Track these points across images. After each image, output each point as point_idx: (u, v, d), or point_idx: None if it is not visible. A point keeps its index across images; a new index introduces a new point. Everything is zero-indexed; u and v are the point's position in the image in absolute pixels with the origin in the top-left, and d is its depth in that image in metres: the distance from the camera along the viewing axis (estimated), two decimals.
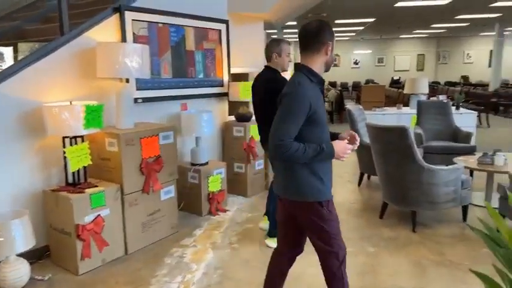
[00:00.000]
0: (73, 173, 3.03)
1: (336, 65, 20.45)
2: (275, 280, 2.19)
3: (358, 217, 3.94)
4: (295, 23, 12.50)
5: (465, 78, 19.51)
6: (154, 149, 3.35)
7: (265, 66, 3.24)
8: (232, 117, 4.75)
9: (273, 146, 1.80)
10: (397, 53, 20.40)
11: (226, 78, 4.68)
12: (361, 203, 4.38)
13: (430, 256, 3.11)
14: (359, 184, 5.00)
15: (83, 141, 3.04)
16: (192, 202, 4.04)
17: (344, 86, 18.91)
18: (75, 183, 3.04)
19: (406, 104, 7.40)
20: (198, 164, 4.04)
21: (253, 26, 5.26)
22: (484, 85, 16.00)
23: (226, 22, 4.63)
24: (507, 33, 15.09)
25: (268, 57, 3.18)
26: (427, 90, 6.69)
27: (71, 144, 2.99)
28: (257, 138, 4.56)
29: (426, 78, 6.85)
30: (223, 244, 3.39)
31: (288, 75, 3.05)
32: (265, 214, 3.66)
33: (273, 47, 3.15)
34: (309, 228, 2.01)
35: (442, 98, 6.63)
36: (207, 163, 4.12)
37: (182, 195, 3.95)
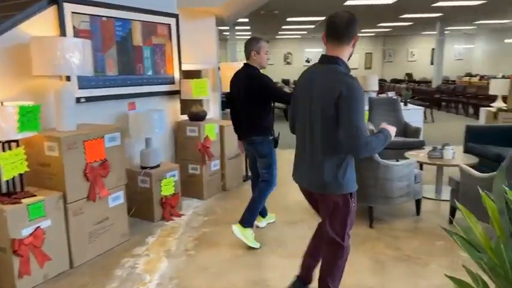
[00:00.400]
0: (7, 181, 2.72)
1: (288, 63, 20.66)
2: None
3: (317, 215, 3.88)
4: (246, 20, 12.41)
5: (409, 75, 20.42)
6: (99, 153, 3.09)
7: (245, 63, 3.35)
8: (185, 117, 4.55)
9: (363, 144, 1.84)
10: None
11: (177, 75, 4.47)
12: None
13: (389, 252, 3.12)
14: None
15: (18, 146, 2.73)
16: (143, 208, 3.81)
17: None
18: (10, 193, 2.73)
19: None
20: (148, 167, 3.81)
21: (205, 22, 5.07)
22: (427, 82, 16.83)
23: (176, 16, 4.42)
24: (447, 32, 15.94)
25: (247, 55, 3.30)
26: (377, 88, 6.84)
27: (3, 150, 2.67)
28: (213, 137, 4.41)
29: (376, 75, 7.02)
30: (179, 251, 3.20)
31: (264, 72, 3.32)
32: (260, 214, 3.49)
33: (251, 45, 3.26)
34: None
35: (391, 94, 6.82)
36: (158, 165, 3.90)
37: (132, 201, 3.71)
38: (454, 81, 16.81)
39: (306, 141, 2.07)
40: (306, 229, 3.55)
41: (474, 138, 4.95)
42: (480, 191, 1.33)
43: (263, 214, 3.66)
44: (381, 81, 16.70)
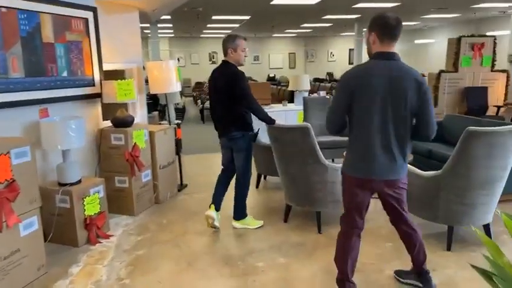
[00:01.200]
0: None
1: (214, 62, 20.31)
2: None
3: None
4: (169, 17, 11.84)
5: (330, 74, 21.25)
6: (4, 172, 2.52)
7: (223, 60, 3.42)
8: (109, 123, 4.03)
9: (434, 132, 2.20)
10: (271, 51, 21.19)
11: (97, 76, 3.93)
12: (263, 207, 4.13)
13: None
14: (257, 186, 4.75)
15: None
16: (63, 231, 3.26)
17: None
18: None
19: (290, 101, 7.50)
20: (68, 184, 3.26)
21: (128, 16, 4.57)
22: None
23: (93, 9, 3.88)
24: (365, 32, 16.83)
25: (225, 53, 3.37)
26: (309, 87, 6.84)
27: None
28: (142, 145, 3.96)
29: (307, 75, 7.01)
30: (110, 281, 2.75)
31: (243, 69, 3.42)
32: (212, 203, 3.52)
33: (228, 42, 3.33)
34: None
35: (323, 94, 6.85)
36: (79, 181, 3.36)
37: (50, 225, 3.15)
38: None
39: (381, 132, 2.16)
40: (251, 242, 3.30)
41: None
42: (499, 212, 1.17)
43: (217, 207, 3.53)
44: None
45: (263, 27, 16.16)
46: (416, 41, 18.12)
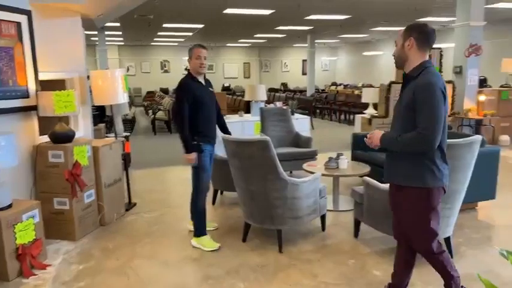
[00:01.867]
0: None
1: (166, 71, 19.79)
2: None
3: (220, 243, 3.39)
4: (118, 24, 11.33)
5: (284, 85, 21.48)
6: None
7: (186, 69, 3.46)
8: (46, 138, 3.62)
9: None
10: (225, 61, 21.00)
11: (32, 86, 3.53)
12: (220, 225, 3.85)
13: (305, 281, 2.80)
14: (213, 202, 4.49)
15: None
16: None
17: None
18: None
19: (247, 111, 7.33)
20: None
21: (69, 22, 4.17)
22: (302, 91, 17.81)
23: (27, 13, 3.49)
24: (316, 44, 17.12)
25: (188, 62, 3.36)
26: (265, 97, 6.70)
27: None
28: (84, 163, 3.60)
29: (263, 85, 6.88)
30: None
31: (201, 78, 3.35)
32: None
33: (188, 52, 3.30)
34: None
35: (279, 104, 6.75)
36: (10, 206, 2.95)
37: None
38: (323, 89, 18.15)
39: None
40: (206, 266, 3.04)
41: (359, 146, 5.06)
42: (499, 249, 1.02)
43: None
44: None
45: (216, 36, 15.98)
46: (364, 53, 18.74)
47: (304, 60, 22.28)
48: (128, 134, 5.10)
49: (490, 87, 8.77)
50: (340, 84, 18.81)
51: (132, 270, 3.00)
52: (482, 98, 7.74)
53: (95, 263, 3.14)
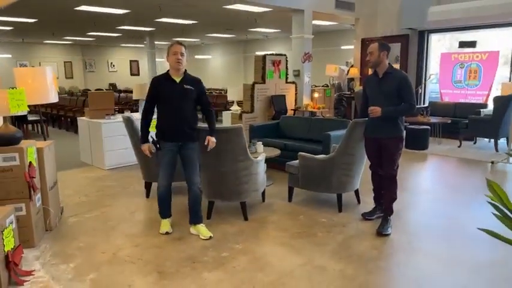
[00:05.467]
0: None
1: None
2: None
3: (185, 227, 3.76)
4: None
5: (113, 85, 20.68)
6: None
7: None
8: None
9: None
10: (42, 59, 18.75)
11: None
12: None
13: (283, 233, 3.56)
14: (147, 196, 4.67)
15: None
16: None
17: None
18: None
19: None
20: None
21: None
22: (129, 91, 17.48)
23: None
24: (143, 46, 17.24)
25: None
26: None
27: None
28: (34, 164, 3.43)
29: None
30: None
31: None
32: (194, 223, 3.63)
33: (167, 50, 3.46)
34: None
35: None
36: None
37: None
38: None
39: None
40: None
41: (256, 135, 6.03)
42: (486, 180, 2.02)
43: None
44: (86, 91, 15.95)
45: (32, 33, 14.35)
46: (196, 56, 19.95)
47: (131, 61, 21.99)
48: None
49: (316, 86, 11.14)
50: None
51: (129, 258, 3.16)
52: (316, 95, 9.85)
53: (83, 259, 3.12)
